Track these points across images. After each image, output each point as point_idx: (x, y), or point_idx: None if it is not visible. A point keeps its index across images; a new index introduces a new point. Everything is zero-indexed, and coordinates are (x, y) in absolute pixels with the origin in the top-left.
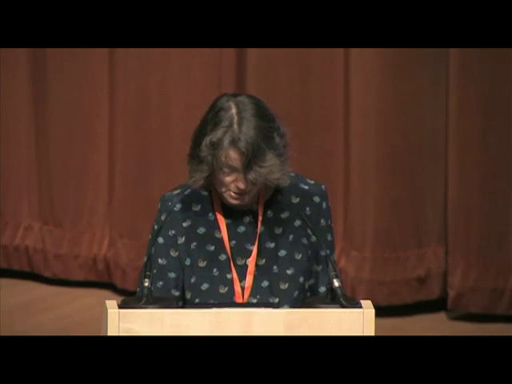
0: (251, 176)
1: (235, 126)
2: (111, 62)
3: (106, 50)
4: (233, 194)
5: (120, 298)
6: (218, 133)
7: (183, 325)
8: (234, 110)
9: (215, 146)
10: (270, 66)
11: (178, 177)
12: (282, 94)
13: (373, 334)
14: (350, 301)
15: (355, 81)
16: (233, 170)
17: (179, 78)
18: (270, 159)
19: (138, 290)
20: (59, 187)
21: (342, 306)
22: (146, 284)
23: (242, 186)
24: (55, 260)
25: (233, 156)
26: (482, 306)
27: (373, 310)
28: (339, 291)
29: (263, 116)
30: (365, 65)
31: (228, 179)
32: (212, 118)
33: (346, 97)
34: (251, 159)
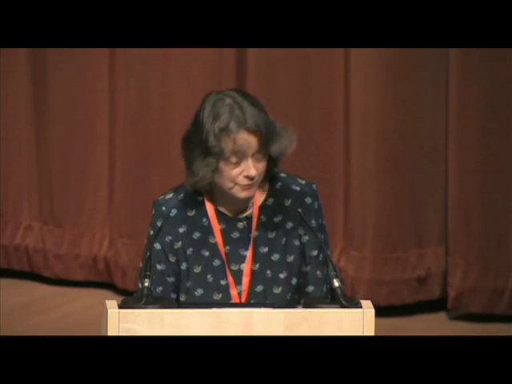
0: (269, 150)
1: (237, 111)
2: (111, 61)
3: (106, 50)
4: (241, 186)
5: (120, 298)
6: (224, 119)
7: (183, 325)
8: (228, 100)
9: (225, 131)
10: (270, 66)
11: (178, 177)
12: (282, 94)
13: (373, 334)
14: (349, 301)
15: (355, 81)
16: (241, 157)
17: (179, 78)
18: (280, 130)
19: (138, 291)
20: (59, 187)
21: (342, 306)
22: (146, 284)
23: (252, 172)
24: (55, 260)
25: (244, 137)
26: (482, 306)
27: (373, 310)
28: (339, 291)
29: (253, 98)
30: (365, 65)
31: (236, 171)
32: (209, 112)
33: (346, 97)
34: (266, 135)
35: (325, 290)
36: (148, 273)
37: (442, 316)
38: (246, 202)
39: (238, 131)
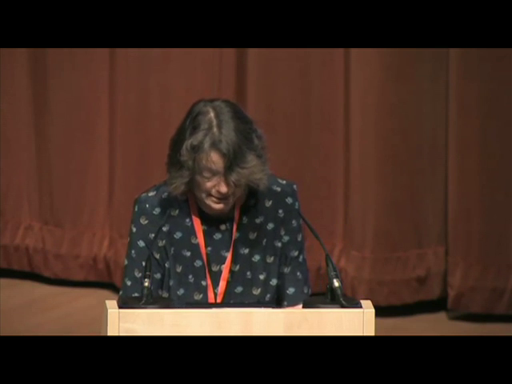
0: (233, 177)
1: (215, 129)
2: (111, 62)
3: (106, 50)
4: (214, 199)
5: None
6: (198, 136)
7: (183, 325)
8: (212, 114)
9: (196, 149)
10: (270, 66)
11: None
12: (282, 94)
13: (373, 334)
14: (349, 301)
15: (355, 81)
16: (214, 173)
17: (179, 78)
18: (251, 160)
19: (122, 291)
20: (59, 187)
21: (342, 306)
22: (146, 284)
23: (223, 189)
24: (55, 260)
25: (214, 158)
26: (482, 305)
27: (373, 310)
28: (339, 291)
29: (241, 118)
30: (365, 65)
31: (209, 184)
32: (190, 122)
33: (346, 97)
34: (233, 161)
35: (305, 291)
36: (148, 273)
37: (442, 316)
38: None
39: (210, 150)
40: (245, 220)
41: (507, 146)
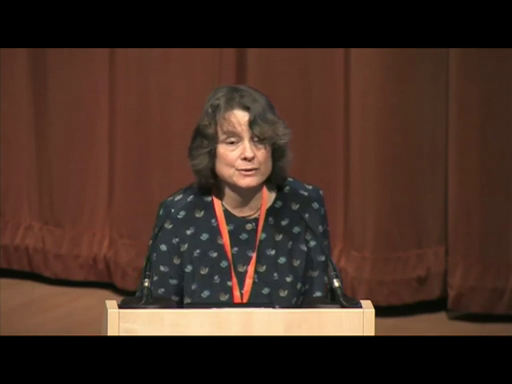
0: (257, 131)
1: (234, 92)
2: (111, 62)
3: (106, 50)
4: (241, 171)
5: (120, 298)
6: (219, 97)
7: (183, 325)
8: (230, 86)
9: (218, 108)
10: (270, 66)
11: (178, 177)
12: (282, 94)
13: (373, 334)
14: (349, 301)
15: (355, 81)
16: (236, 137)
17: (179, 78)
18: (274, 117)
19: (138, 291)
20: (59, 187)
21: (342, 306)
22: (146, 284)
23: (248, 153)
24: (55, 260)
25: (237, 113)
26: (482, 306)
27: (373, 310)
28: (339, 291)
29: (258, 91)
30: (365, 65)
31: (233, 154)
32: (208, 99)
33: (346, 97)
34: (256, 115)
35: (337, 285)
36: (148, 273)
37: (442, 316)
38: (253, 201)
39: (230, 109)
40: (271, 221)
41: (507, 146)
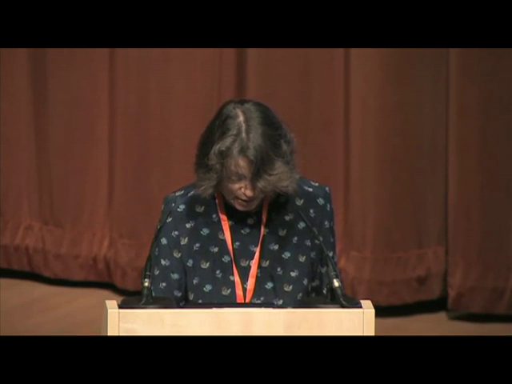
0: (260, 184)
1: (243, 135)
2: (111, 62)
3: (105, 50)
4: (240, 201)
5: (120, 298)
6: (227, 141)
7: (183, 325)
8: (241, 118)
9: (224, 154)
10: (270, 66)
11: (178, 177)
12: (282, 94)
13: (373, 334)
14: (349, 301)
15: (355, 81)
16: (241, 177)
17: (179, 78)
18: (279, 167)
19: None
20: (59, 187)
21: (342, 306)
22: (146, 284)
23: (250, 193)
24: (55, 260)
25: (242, 164)
26: (482, 306)
27: (373, 310)
28: (339, 291)
29: (270, 124)
30: (365, 65)
31: (236, 186)
32: (219, 126)
33: (346, 97)
34: (260, 167)
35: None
36: (148, 273)
37: (442, 316)
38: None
39: (238, 156)
40: (273, 216)
41: (507, 146)
